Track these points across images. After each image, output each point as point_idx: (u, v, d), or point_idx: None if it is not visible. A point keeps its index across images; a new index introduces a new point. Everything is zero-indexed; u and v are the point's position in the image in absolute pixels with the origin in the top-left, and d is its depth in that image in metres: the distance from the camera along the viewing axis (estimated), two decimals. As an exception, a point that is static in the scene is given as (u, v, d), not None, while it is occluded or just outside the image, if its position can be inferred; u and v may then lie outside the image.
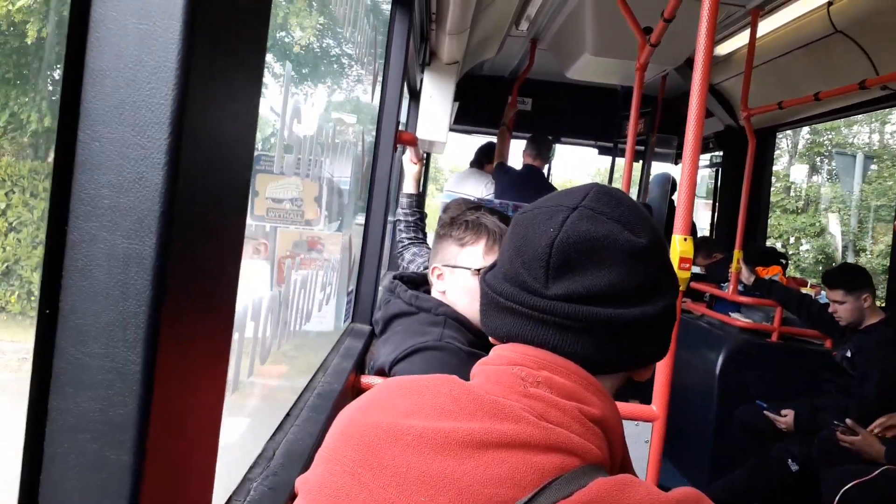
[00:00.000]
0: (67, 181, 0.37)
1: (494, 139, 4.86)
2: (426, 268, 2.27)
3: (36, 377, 0.39)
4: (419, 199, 2.51)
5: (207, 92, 0.39)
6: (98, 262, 0.37)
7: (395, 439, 0.65)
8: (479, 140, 4.90)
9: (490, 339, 0.78)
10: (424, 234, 2.56)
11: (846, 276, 2.99)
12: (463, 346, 1.50)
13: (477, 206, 2.57)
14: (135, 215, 0.37)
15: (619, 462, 0.73)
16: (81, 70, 0.37)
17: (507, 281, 0.73)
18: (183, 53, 0.36)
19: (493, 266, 0.80)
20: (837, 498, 2.46)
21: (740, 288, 3.79)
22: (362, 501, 0.63)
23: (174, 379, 0.40)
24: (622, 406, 1.69)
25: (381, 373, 1.61)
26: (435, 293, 1.65)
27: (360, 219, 1.93)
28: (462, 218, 1.65)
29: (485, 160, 4.63)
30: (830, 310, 3.03)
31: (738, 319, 3.66)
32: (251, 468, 0.86)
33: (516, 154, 4.87)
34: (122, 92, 0.36)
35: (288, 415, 1.08)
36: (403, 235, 2.47)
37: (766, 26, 3.88)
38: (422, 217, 2.55)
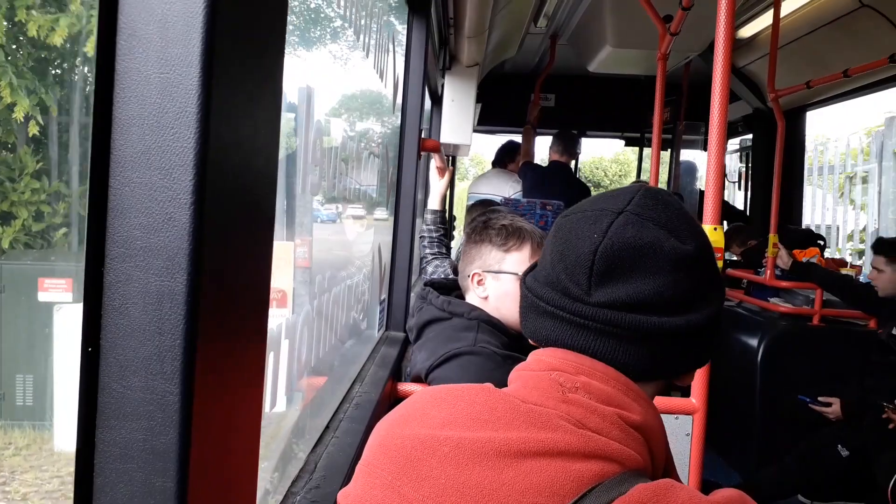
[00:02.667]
0: (102, 225, 0.39)
1: (517, 137, 4.83)
2: (446, 277, 2.28)
3: (82, 411, 0.41)
4: (443, 216, 2.51)
5: (229, 132, 0.41)
6: (134, 301, 0.39)
7: (432, 451, 0.65)
8: (504, 139, 4.88)
9: (530, 341, 0.78)
10: (448, 249, 2.57)
11: (890, 245, 2.94)
12: (498, 349, 1.51)
13: (501, 208, 2.56)
14: (166, 254, 0.39)
15: (661, 468, 0.72)
16: (110, 119, 0.39)
17: (549, 285, 0.73)
18: (203, 98, 0.38)
19: (532, 268, 0.79)
20: (893, 481, 2.40)
21: (778, 273, 3.72)
22: None
23: (212, 405, 0.42)
24: (661, 400, 1.68)
25: (418, 379, 1.63)
26: (473, 298, 1.66)
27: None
28: (499, 222, 1.65)
29: (507, 159, 4.61)
30: (869, 276, 2.99)
31: (778, 305, 3.60)
32: (294, 482, 0.88)
33: (540, 150, 4.85)
34: (148, 138, 0.38)
35: (327, 427, 1.11)
36: (427, 251, 2.47)
37: (789, 5, 3.81)
38: (446, 233, 2.55)
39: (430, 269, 2.44)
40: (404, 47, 2.08)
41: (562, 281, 0.71)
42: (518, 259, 1.58)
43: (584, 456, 0.63)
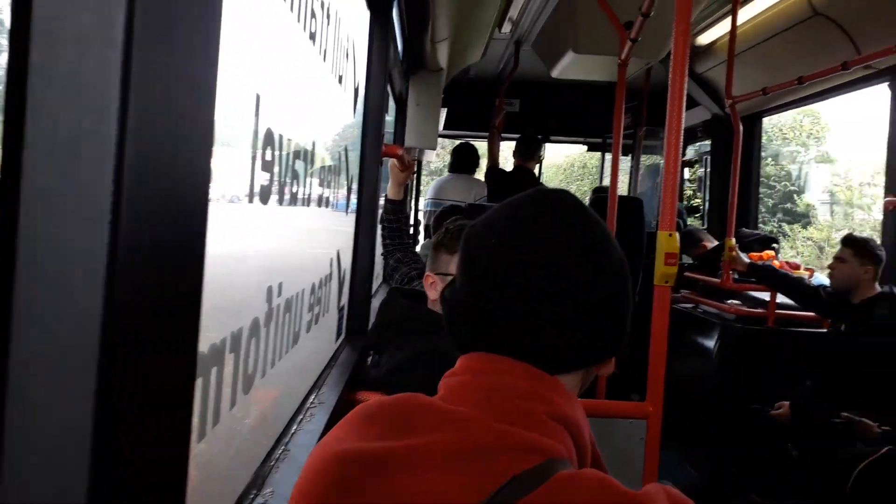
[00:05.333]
0: (15, 222, 0.37)
1: (472, 142, 4.82)
2: (408, 275, 2.28)
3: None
4: (400, 205, 2.50)
5: (154, 121, 0.40)
6: (50, 296, 0.37)
7: (360, 464, 0.67)
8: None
9: (457, 351, 0.80)
10: (409, 239, 2.56)
11: (863, 242, 3.04)
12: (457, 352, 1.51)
13: (469, 213, 2.56)
14: (82, 256, 0.37)
15: (588, 461, 0.75)
16: (24, 104, 0.37)
17: (462, 293, 0.76)
18: (123, 82, 0.37)
19: (452, 282, 0.82)
20: (852, 479, 2.47)
21: (735, 276, 3.79)
22: None
23: (129, 410, 0.41)
24: (614, 405, 1.70)
25: (377, 386, 1.62)
26: (430, 303, 1.66)
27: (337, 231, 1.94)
28: (455, 226, 1.66)
29: (472, 164, 4.55)
30: (828, 265, 3.07)
31: (733, 307, 3.66)
32: (240, 499, 0.87)
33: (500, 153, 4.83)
34: (65, 126, 0.36)
35: (278, 440, 1.09)
36: (388, 241, 2.47)
37: (746, 13, 3.89)
38: (405, 222, 2.54)
39: (391, 261, 2.43)
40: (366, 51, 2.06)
41: (470, 288, 0.75)
42: None
43: (507, 450, 0.65)
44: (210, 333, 0.72)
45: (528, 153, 4.36)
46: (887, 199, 3.41)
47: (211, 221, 0.52)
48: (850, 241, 3.07)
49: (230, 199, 0.82)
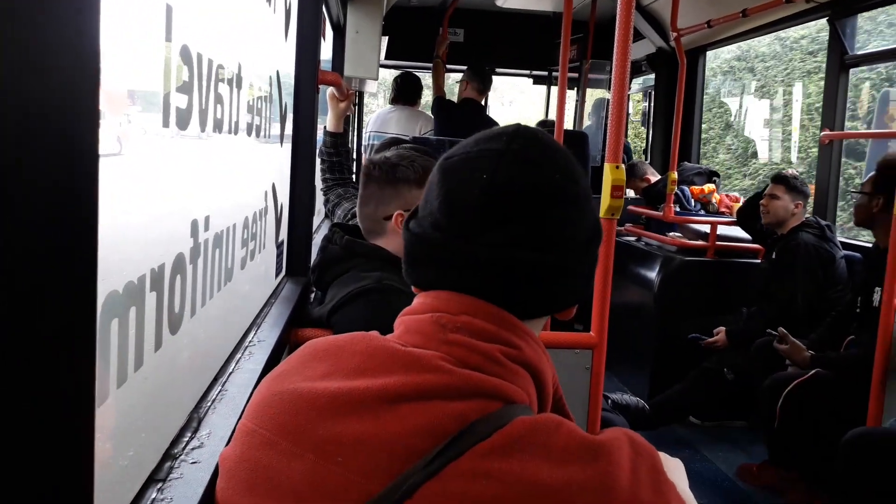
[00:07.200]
0: None
1: (416, 72, 4.67)
2: (351, 210, 2.20)
3: None
4: (341, 138, 2.41)
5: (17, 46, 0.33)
6: None
7: (310, 404, 0.64)
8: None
9: (413, 289, 0.76)
10: (351, 174, 2.48)
11: (793, 179, 3.16)
12: (403, 285, 1.47)
13: (415, 145, 2.49)
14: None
15: (550, 403, 0.73)
16: None
17: (436, 229, 0.71)
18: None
19: (414, 214, 0.77)
20: (781, 399, 2.59)
21: (677, 209, 3.85)
22: (281, 471, 0.62)
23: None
24: (561, 335, 1.71)
25: (319, 323, 1.57)
26: (389, 240, 1.58)
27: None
28: (410, 160, 1.58)
29: (414, 96, 4.39)
30: (762, 202, 3.18)
31: (675, 239, 3.73)
32: (172, 443, 0.82)
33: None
34: None
35: (214, 380, 1.04)
36: (328, 176, 2.39)
37: (692, -58, 3.83)
38: (346, 156, 2.46)
39: (332, 196, 2.36)
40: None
41: (450, 223, 0.70)
42: None
43: (464, 394, 0.63)
44: (126, 269, 0.65)
45: (479, 84, 4.25)
46: (824, 133, 3.49)
47: (117, 150, 0.46)
48: (781, 179, 3.18)
49: (138, 125, 0.74)
